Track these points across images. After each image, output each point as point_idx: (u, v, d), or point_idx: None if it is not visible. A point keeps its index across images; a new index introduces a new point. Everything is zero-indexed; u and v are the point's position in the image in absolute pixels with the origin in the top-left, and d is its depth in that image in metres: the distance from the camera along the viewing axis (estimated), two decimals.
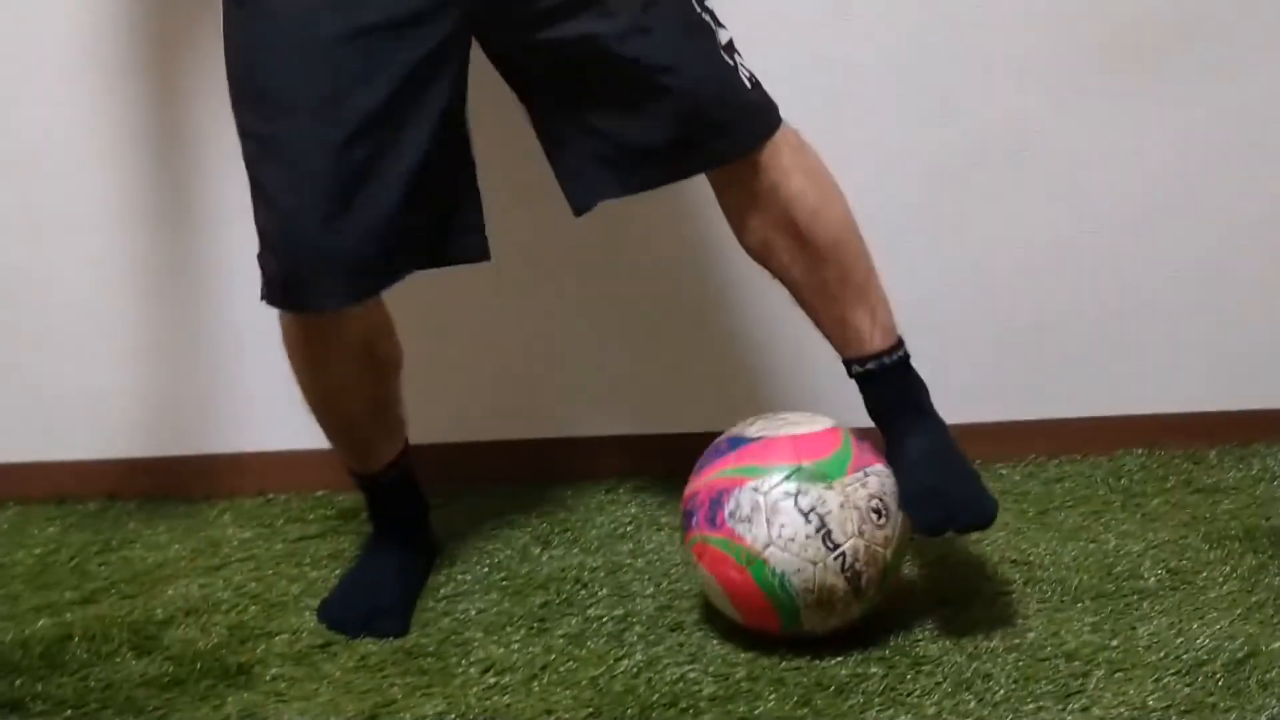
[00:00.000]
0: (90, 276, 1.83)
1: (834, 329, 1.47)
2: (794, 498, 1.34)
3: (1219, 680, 1.29)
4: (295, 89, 1.33)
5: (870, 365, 1.45)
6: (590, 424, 1.88)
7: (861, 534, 1.35)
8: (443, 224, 1.43)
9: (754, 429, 1.43)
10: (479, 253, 1.46)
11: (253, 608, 1.53)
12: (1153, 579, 1.51)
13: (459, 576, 1.59)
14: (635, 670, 1.36)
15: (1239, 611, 1.42)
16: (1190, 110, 1.82)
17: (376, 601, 1.51)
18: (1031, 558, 1.57)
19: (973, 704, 1.27)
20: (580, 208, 1.45)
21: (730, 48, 1.40)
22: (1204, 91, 1.81)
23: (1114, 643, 1.37)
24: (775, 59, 1.48)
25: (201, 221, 1.81)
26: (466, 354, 1.86)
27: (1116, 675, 1.31)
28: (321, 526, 1.75)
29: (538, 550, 1.65)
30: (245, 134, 1.38)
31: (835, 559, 1.34)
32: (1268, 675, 1.29)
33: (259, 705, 1.33)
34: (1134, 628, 1.40)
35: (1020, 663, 1.34)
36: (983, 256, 1.86)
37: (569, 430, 1.88)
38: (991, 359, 1.88)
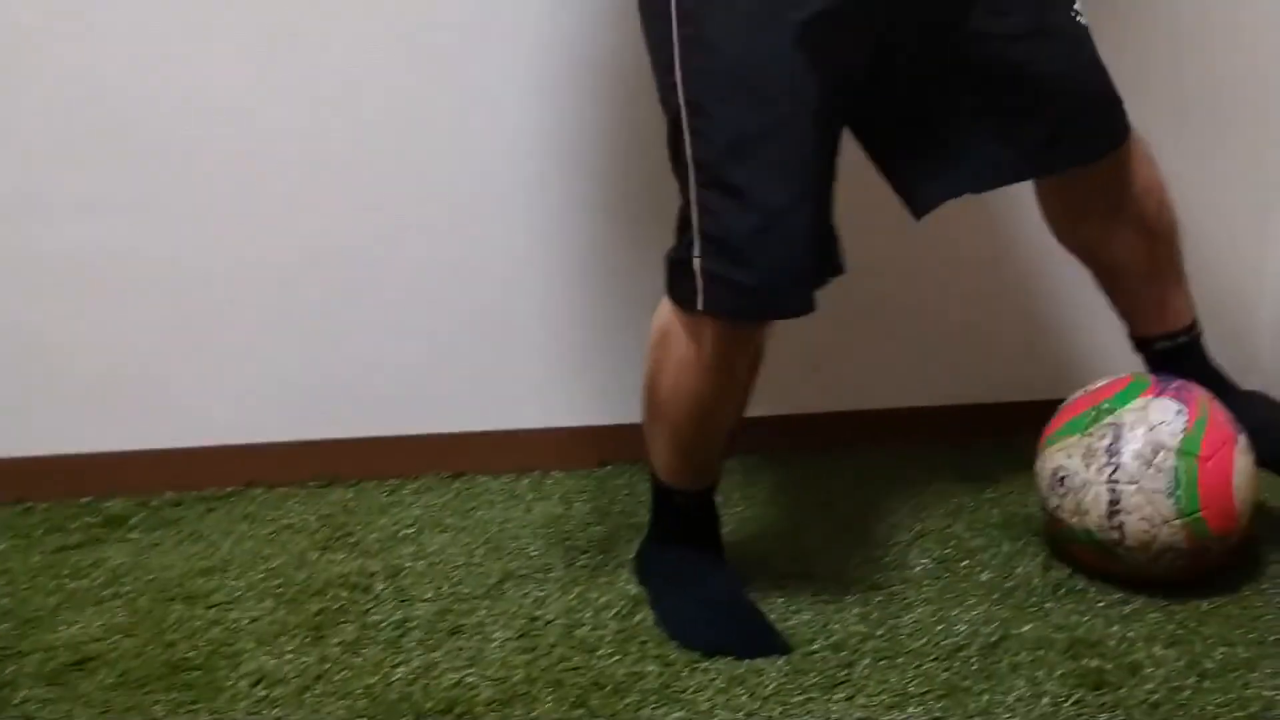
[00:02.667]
0: None
1: (1150, 307, 1.55)
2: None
3: (974, 664, 1.36)
4: (774, 79, 1.28)
5: (1182, 339, 1.55)
6: (378, 423, 1.84)
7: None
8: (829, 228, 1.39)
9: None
10: (840, 266, 1.41)
11: (3, 625, 1.44)
12: (919, 568, 1.57)
13: (231, 584, 1.53)
14: (412, 677, 1.34)
15: (995, 597, 1.50)
16: None
17: (751, 625, 1.43)
18: (806, 550, 1.61)
19: (744, 698, 1.30)
20: (925, 209, 1.44)
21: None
22: None
23: (879, 632, 1.42)
24: None
25: None
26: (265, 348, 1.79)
27: (880, 663, 1.36)
28: (84, 536, 1.66)
29: (316, 555, 1.60)
30: (710, 130, 1.29)
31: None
32: (1017, 658, 1.37)
33: None
34: (899, 616, 1.45)
35: (791, 656, 1.37)
36: None
37: (354, 430, 1.84)
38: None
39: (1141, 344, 1.59)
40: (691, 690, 1.32)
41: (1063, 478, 1.51)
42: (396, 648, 1.39)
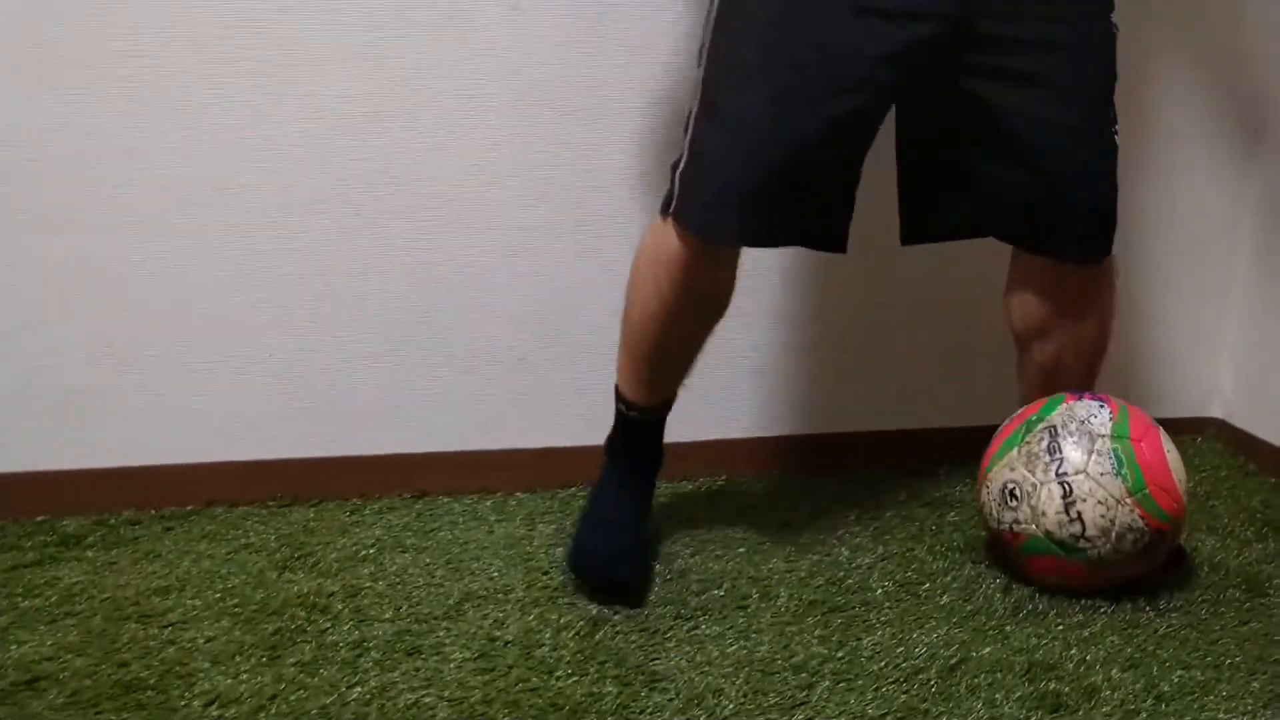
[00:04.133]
0: None
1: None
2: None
3: (933, 686, 1.36)
4: (792, 28, 1.39)
5: None
6: (340, 444, 1.83)
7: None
8: (828, 207, 1.49)
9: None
10: (841, 245, 1.52)
11: None
12: (880, 590, 1.57)
13: (188, 603, 1.52)
14: (367, 698, 1.33)
15: (955, 619, 1.50)
16: None
17: (615, 545, 1.54)
18: (768, 573, 1.61)
19: (703, 718, 1.30)
20: (911, 240, 1.58)
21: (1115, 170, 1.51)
22: None
23: (840, 654, 1.42)
24: None
25: None
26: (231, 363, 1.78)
27: (840, 685, 1.36)
28: (39, 554, 1.64)
29: (274, 575, 1.59)
30: (717, 54, 1.43)
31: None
32: (976, 680, 1.37)
33: None
34: (859, 638, 1.45)
35: (751, 676, 1.37)
36: None
37: (315, 450, 1.83)
38: (736, 376, 1.93)
39: None
40: (650, 711, 1.31)
41: (1013, 490, 1.54)
42: (353, 668, 1.38)
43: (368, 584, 1.57)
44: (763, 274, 1.89)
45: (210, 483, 1.78)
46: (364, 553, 1.65)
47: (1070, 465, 1.50)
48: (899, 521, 1.78)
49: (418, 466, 1.83)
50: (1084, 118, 1.47)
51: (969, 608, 1.53)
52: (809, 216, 1.49)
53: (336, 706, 1.31)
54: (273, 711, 1.30)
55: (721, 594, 1.55)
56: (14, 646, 1.41)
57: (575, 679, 1.36)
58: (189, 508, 1.77)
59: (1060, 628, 1.49)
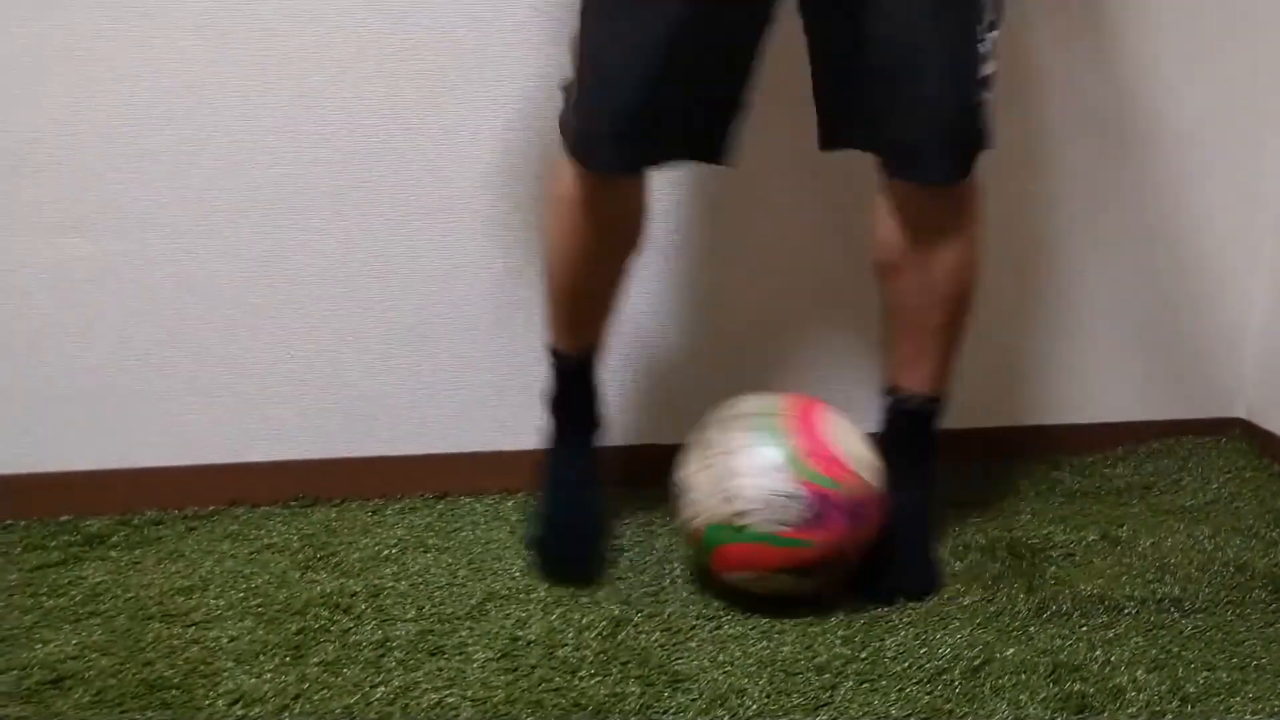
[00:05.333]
0: None
1: (902, 360, 1.59)
2: None
3: (956, 687, 1.35)
4: None
5: (912, 403, 1.59)
6: (362, 444, 1.83)
7: None
8: (714, 124, 1.49)
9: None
10: (721, 158, 1.51)
11: None
12: None
13: (211, 602, 1.52)
14: (391, 697, 1.33)
15: (978, 620, 1.49)
16: None
17: (575, 524, 1.59)
18: None
19: (726, 719, 1.30)
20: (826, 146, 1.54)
21: (988, 80, 1.44)
22: None
23: (863, 655, 1.41)
24: None
25: None
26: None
27: (864, 686, 1.36)
28: (64, 554, 1.64)
29: (297, 575, 1.59)
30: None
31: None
32: (1000, 681, 1.36)
33: None
34: (882, 639, 1.45)
35: (774, 677, 1.37)
36: None
37: (338, 450, 1.83)
38: (752, 382, 1.93)
39: (884, 392, 1.63)
40: (673, 711, 1.31)
41: (675, 488, 1.53)
42: (377, 668, 1.38)
43: (390, 584, 1.57)
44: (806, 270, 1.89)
45: (232, 483, 1.79)
46: (386, 552, 1.66)
47: (717, 445, 1.48)
48: None
49: (440, 466, 1.84)
50: (934, 13, 1.41)
51: (992, 608, 1.53)
52: (689, 131, 1.48)
53: (360, 706, 1.31)
54: (297, 711, 1.31)
55: (743, 595, 1.54)
56: (39, 646, 1.42)
57: (598, 679, 1.36)
58: (211, 508, 1.78)
59: (1084, 629, 1.48)
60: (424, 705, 1.31)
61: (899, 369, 1.60)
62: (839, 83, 1.49)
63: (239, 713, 1.30)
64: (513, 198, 1.78)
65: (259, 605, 1.51)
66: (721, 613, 1.50)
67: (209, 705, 1.32)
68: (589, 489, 1.65)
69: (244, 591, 1.55)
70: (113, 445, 1.76)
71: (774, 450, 1.45)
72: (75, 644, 1.42)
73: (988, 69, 1.45)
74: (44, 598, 1.53)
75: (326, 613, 1.49)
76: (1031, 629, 1.48)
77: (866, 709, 1.31)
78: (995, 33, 1.44)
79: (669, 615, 1.49)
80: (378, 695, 1.33)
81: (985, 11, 1.43)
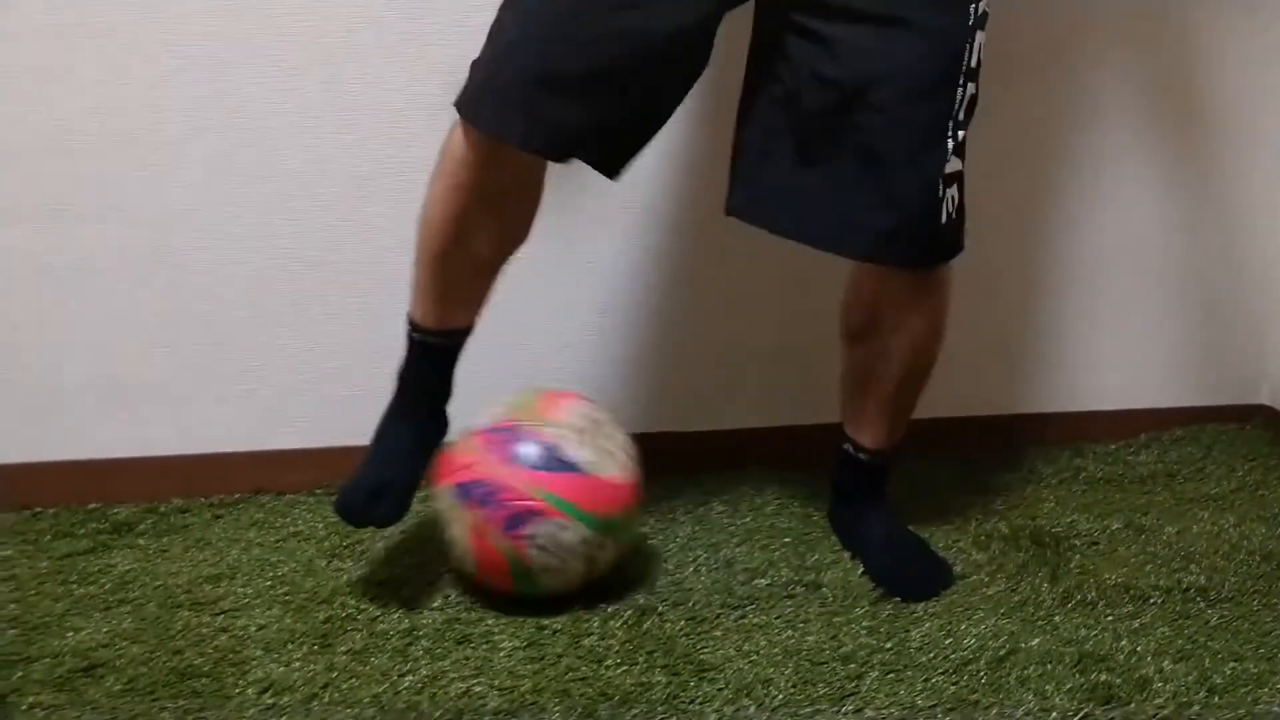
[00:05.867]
0: None
1: (856, 416, 1.62)
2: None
3: (982, 678, 1.35)
4: None
5: (861, 456, 1.62)
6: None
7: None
8: (628, 142, 1.46)
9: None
10: (613, 172, 1.48)
11: (10, 631, 1.44)
12: None
13: (239, 591, 1.53)
14: (419, 686, 1.34)
15: (1003, 610, 1.49)
16: None
17: (374, 481, 1.50)
18: (815, 563, 1.61)
19: (753, 709, 1.30)
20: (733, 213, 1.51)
21: (952, 179, 1.42)
22: None
23: (888, 645, 1.42)
24: None
25: None
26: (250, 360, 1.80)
27: (889, 676, 1.36)
28: (92, 541, 1.66)
29: (324, 563, 1.60)
30: None
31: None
32: (1026, 671, 1.36)
33: None
34: (907, 630, 1.45)
35: (800, 666, 1.37)
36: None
37: (357, 438, 1.84)
38: (785, 366, 1.92)
39: (838, 437, 1.66)
40: (699, 700, 1.31)
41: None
42: (404, 656, 1.39)
43: (415, 573, 1.58)
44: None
45: (258, 471, 1.80)
46: (411, 542, 1.66)
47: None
48: (942, 512, 1.77)
49: None
50: (903, 106, 1.38)
51: (1016, 598, 1.53)
52: (596, 132, 1.43)
53: (389, 695, 1.32)
54: (325, 699, 1.32)
55: (768, 583, 1.55)
56: (71, 633, 1.43)
57: (624, 668, 1.37)
58: (237, 495, 1.79)
59: (1110, 619, 1.48)
60: (451, 694, 1.32)
61: (852, 423, 1.63)
62: (794, 153, 1.45)
63: (268, 701, 1.32)
64: None
65: (286, 594, 1.52)
66: (746, 602, 1.51)
67: (239, 694, 1.33)
68: (416, 455, 1.55)
69: (271, 580, 1.56)
70: (139, 433, 1.78)
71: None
72: (106, 632, 1.44)
73: (953, 166, 1.41)
74: (74, 585, 1.54)
75: (353, 601, 1.50)
76: (1057, 619, 1.48)
77: (892, 699, 1.32)
78: (964, 130, 1.42)
79: (693, 604, 1.50)
80: (405, 684, 1.34)
81: (959, 105, 1.40)
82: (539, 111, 1.39)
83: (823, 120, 1.40)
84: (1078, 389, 2.05)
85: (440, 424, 1.57)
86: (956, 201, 1.44)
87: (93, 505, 1.75)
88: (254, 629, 1.45)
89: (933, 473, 1.89)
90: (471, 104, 1.42)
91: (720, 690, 1.33)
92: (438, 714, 1.29)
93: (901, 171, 1.40)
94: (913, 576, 1.57)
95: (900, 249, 1.44)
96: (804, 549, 1.65)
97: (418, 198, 1.77)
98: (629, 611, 1.47)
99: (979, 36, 1.40)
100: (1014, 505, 1.79)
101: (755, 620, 1.47)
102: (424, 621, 1.46)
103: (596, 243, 1.83)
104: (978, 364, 1.99)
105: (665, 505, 1.75)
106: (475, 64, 1.43)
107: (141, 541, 1.67)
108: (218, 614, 1.48)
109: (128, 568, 1.58)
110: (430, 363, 1.55)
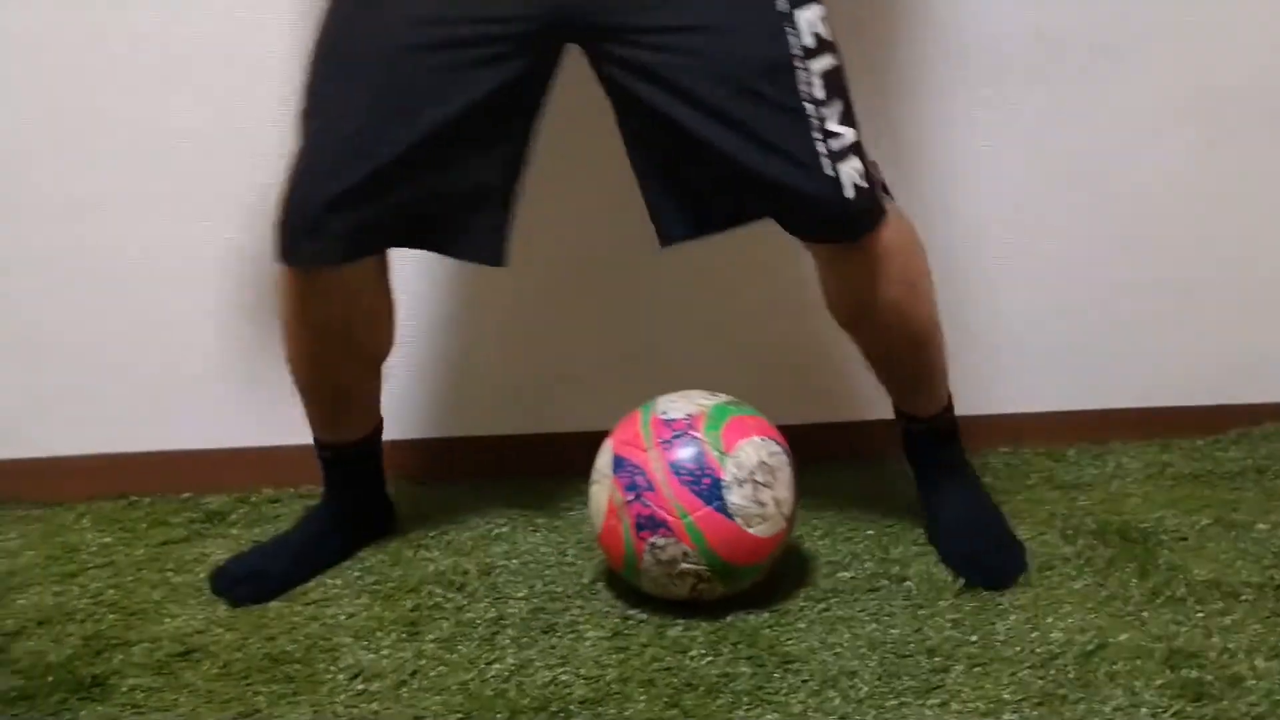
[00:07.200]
0: None
1: (895, 391, 1.62)
2: None
3: (1070, 673, 1.34)
4: (366, 81, 1.36)
5: (916, 427, 1.62)
6: (467, 424, 1.87)
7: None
8: (461, 218, 1.44)
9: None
10: (494, 256, 1.46)
11: (110, 616, 1.48)
12: None
13: (328, 581, 1.56)
14: (506, 674, 1.36)
15: (1090, 605, 1.48)
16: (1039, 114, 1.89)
17: (255, 566, 1.55)
18: (898, 556, 1.60)
19: (837, 701, 1.30)
20: (666, 241, 1.47)
21: (846, 152, 1.38)
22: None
23: (973, 638, 1.41)
24: None
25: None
26: None
27: (975, 670, 1.35)
28: (187, 530, 1.71)
29: (410, 553, 1.63)
30: (305, 85, 1.40)
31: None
32: (1115, 667, 1.35)
33: (114, 718, 1.29)
34: (993, 623, 1.44)
35: (884, 659, 1.37)
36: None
37: (449, 429, 1.87)
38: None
39: (897, 416, 1.65)
40: (784, 692, 1.32)
41: None
42: (491, 645, 1.41)
43: (501, 562, 1.60)
44: None
45: None
46: (497, 531, 1.69)
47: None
48: (1028, 505, 1.75)
49: (546, 446, 1.86)
50: (744, 103, 1.35)
51: (1103, 593, 1.51)
52: (414, 218, 1.42)
53: (476, 682, 1.34)
54: (414, 686, 1.34)
55: (851, 576, 1.55)
56: (168, 620, 1.48)
57: (709, 659, 1.37)
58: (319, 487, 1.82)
59: (1200, 615, 1.46)
60: (538, 682, 1.34)
61: (895, 398, 1.63)
62: (677, 167, 1.42)
63: (359, 687, 1.34)
64: None
65: (374, 583, 1.55)
66: (830, 594, 1.51)
67: (330, 679, 1.36)
68: (293, 561, 1.57)
69: (359, 570, 1.59)
70: (229, 425, 1.82)
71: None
72: (201, 619, 1.48)
73: (841, 141, 1.37)
74: (170, 573, 1.59)
75: (440, 590, 1.53)
76: (1145, 614, 1.45)
77: (979, 693, 1.31)
78: (835, 103, 1.37)
79: (776, 597, 1.50)
80: (493, 672, 1.36)
81: (808, 85, 1.36)
82: (345, 223, 1.38)
83: (687, 135, 1.37)
84: (1163, 384, 2.01)
85: (344, 541, 1.61)
86: (862, 170, 1.40)
87: (185, 495, 1.80)
88: (343, 617, 1.48)
89: (1018, 467, 1.88)
90: (275, 240, 1.40)
91: (805, 682, 1.33)
92: (525, 702, 1.30)
93: (779, 160, 1.36)
94: (988, 565, 1.55)
95: (822, 229, 1.42)
96: (887, 541, 1.64)
97: None
98: (712, 603, 1.48)
99: (805, 13, 1.36)
100: (1101, 500, 1.76)
101: (839, 613, 1.47)
102: (510, 611, 1.48)
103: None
104: (1065, 359, 1.97)
105: None
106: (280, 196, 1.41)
107: (234, 531, 1.71)
108: (308, 603, 1.51)
109: (221, 556, 1.62)
110: (341, 475, 1.61)
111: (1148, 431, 1.98)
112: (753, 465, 1.44)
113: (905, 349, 1.55)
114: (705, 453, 1.43)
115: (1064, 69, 1.86)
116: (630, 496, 1.43)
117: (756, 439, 1.47)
